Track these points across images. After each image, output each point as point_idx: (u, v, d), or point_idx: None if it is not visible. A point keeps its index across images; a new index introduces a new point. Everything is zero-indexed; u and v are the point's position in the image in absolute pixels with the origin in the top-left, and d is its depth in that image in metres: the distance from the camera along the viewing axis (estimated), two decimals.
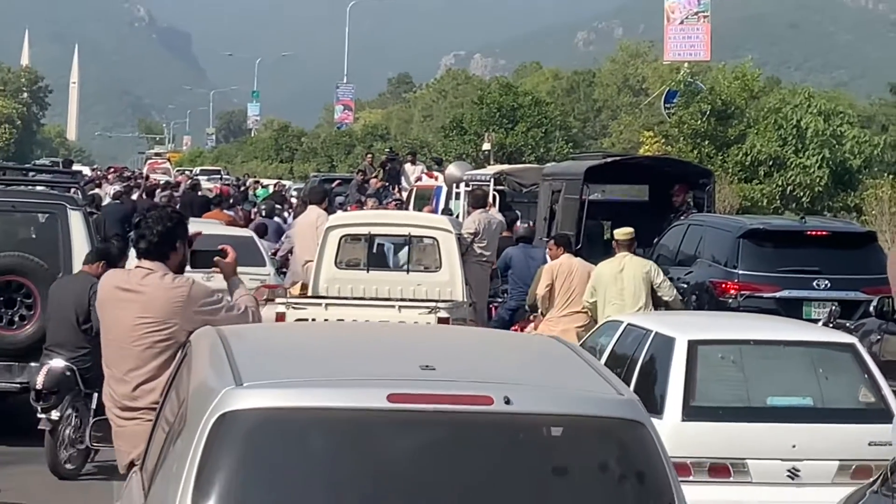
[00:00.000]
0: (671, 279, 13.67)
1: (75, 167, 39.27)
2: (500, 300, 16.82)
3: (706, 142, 26.12)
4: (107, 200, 27.25)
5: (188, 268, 6.94)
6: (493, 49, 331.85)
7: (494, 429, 4.41)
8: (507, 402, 4.36)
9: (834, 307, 12.90)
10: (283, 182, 44.27)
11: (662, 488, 4.47)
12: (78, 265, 12.06)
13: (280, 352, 5.18)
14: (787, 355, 9.04)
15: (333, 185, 31.43)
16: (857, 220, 22.16)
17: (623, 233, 13.38)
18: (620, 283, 12.98)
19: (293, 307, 12.42)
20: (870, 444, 8.42)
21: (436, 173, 28.28)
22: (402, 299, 12.91)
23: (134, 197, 30.71)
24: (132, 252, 6.94)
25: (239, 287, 7.03)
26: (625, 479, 4.53)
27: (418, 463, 4.41)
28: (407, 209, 24.29)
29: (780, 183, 23.82)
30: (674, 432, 8.30)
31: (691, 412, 8.48)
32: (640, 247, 16.76)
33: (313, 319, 12.03)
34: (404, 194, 27.98)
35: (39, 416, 10.85)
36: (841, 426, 8.56)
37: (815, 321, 12.74)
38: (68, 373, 10.96)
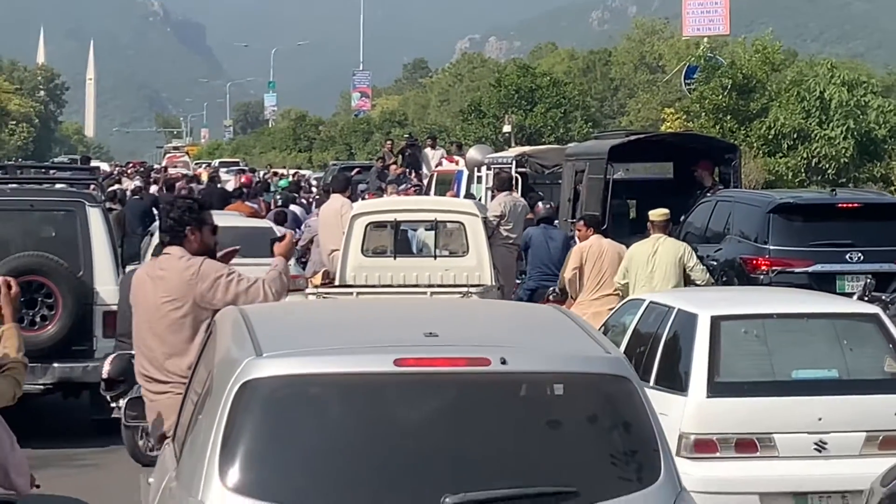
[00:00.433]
0: (700, 257, 13.47)
1: (94, 164, 39.25)
2: (518, 281, 16.64)
3: (728, 116, 25.81)
4: (127, 195, 27.12)
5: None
6: (508, 31, 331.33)
7: (493, 387, 4.80)
8: (504, 362, 4.74)
9: (869, 280, 12.62)
10: (303, 172, 44.11)
11: (647, 437, 4.81)
12: (98, 262, 11.99)
13: (296, 325, 5.65)
14: (810, 328, 8.96)
15: (353, 172, 31.17)
16: (885, 190, 21.86)
17: (658, 214, 13.21)
18: (652, 265, 12.82)
19: (324, 297, 12.26)
20: None
21: (456, 157, 28.05)
22: (432, 285, 12.79)
23: (153, 191, 30.67)
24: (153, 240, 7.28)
25: (275, 268, 7.73)
26: (613, 429, 4.88)
27: (424, 421, 4.77)
28: (428, 194, 24.10)
29: (804, 156, 23.49)
30: (699, 409, 8.35)
31: (716, 388, 8.41)
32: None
33: None
34: (425, 180, 27.76)
35: (111, 405, 10.69)
36: (867, 397, 8.49)
37: (850, 295, 12.52)
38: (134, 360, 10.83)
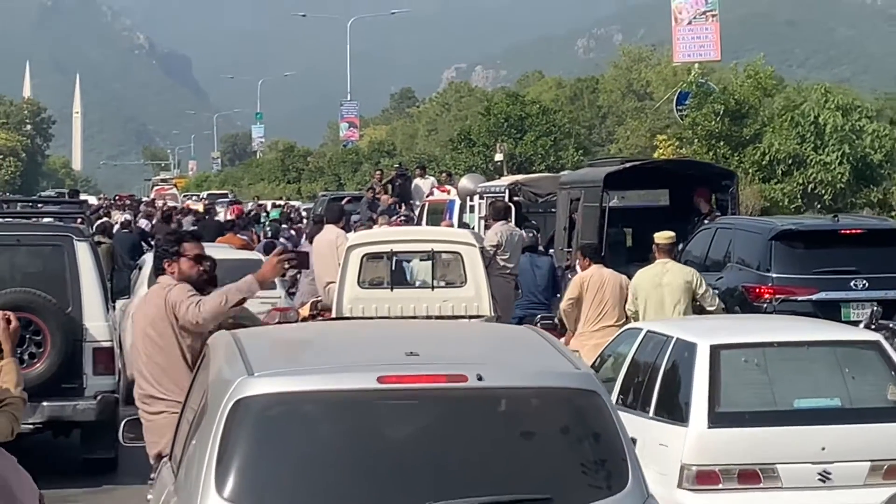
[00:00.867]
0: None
1: (82, 197, 38.94)
2: None
3: (721, 143, 25.63)
4: (115, 228, 26.84)
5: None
6: (494, 60, 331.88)
7: (470, 401, 5.12)
8: (480, 378, 5.06)
9: (875, 307, 12.39)
10: (292, 203, 43.85)
11: (616, 447, 5.14)
12: (87, 298, 11.73)
13: (285, 346, 6.05)
14: (811, 356, 8.87)
15: (343, 202, 30.92)
16: (884, 215, 21.62)
17: (664, 237, 12.97)
18: (661, 292, 12.60)
19: None
20: None
21: (447, 187, 27.83)
22: (430, 317, 12.69)
23: (142, 224, 30.43)
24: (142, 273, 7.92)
25: (234, 286, 8.11)
26: (583, 440, 5.22)
27: (406, 434, 5.13)
28: (419, 224, 23.87)
29: (800, 181, 23.28)
30: (700, 440, 8.28)
31: (717, 419, 8.33)
32: None
33: None
34: (416, 210, 27.51)
35: None
36: (870, 426, 8.41)
37: (855, 323, 12.31)
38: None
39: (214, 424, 5.04)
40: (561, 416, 5.25)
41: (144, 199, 61.43)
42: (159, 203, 44.62)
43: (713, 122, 25.79)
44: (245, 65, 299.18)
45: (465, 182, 24.85)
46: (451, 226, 21.42)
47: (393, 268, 13.74)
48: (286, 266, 8.23)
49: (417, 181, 31.19)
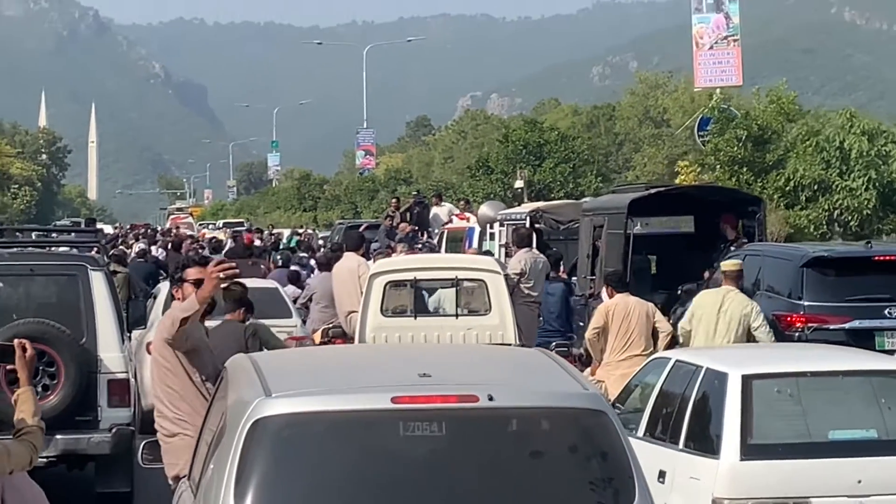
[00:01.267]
0: None
1: (97, 226, 38.73)
2: None
3: (744, 168, 25.30)
4: (131, 257, 26.64)
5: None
6: (510, 88, 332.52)
7: (481, 421, 5.27)
8: (491, 398, 5.22)
9: None
10: (309, 231, 43.65)
11: (623, 465, 5.28)
12: (102, 328, 11.51)
13: (301, 369, 6.16)
14: (846, 386, 8.65)
15: (361, 229, 30.64)
16: None
17: (732, 265, 12.81)
18: (716, 320, 12.39)
19: None
20: None
21: (467, 214, 27.58)
22: None
23: (156, 253, 30.20)
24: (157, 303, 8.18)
25: (180, 306, 8.27)
26: (591, 458, 5.34)
27: (419, 453, 5.24)
28: (439, 252, 23.61)
29: (825, 207, 22.92)
30: (732, 473, 8.10)
31: (750, 451, 8.14)
32: (691, 281, 16.07)
33: None
34: (434, 238, 27.26)
35: None
36: None
37: (890, 352, 12.06)
38: None
39: (233, 445, 5.19)
40: (570, 435, 5.38)
41: (159, 227, 61.27)
42: (182, 232, 44.46)
43: (735, 148, 25.47)
44: (260, 93, 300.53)
45: (485, 209, 24.64)
46: (477, 253, 21.15)
47: (419, 296, 13.55)
48: (221, 277, 7.85)
49: (435, 209, 30.96)
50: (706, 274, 16.13)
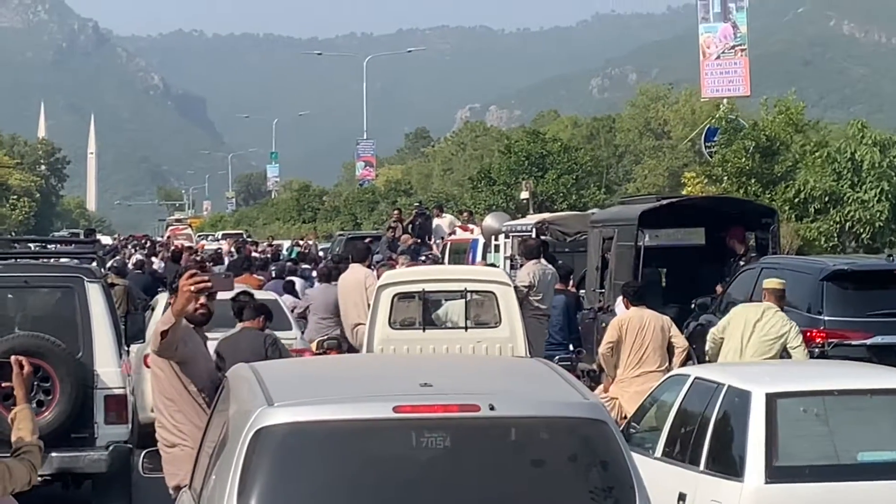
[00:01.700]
0: None
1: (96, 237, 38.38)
2: None
3: (752, 180, 24.93)
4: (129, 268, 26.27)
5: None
6: (508, 100, 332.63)
7: (483, 430, 5.29)
8: (492, 408, 5.24)
9: None
10: (308, 241, 43.25)
11: (624, 475, 5.28)
12: (98, 342, 11.21)
13: (303, 378, 6.15)
14: (875, 405, 8.35)
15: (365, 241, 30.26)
16: None
17: (775, 283, 12.35)
18: (750, 334, 11.98)
19: None
20: None
21: (471, 226, 27.24)
22: None
23: (155, 266, 29.87)
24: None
25: (159, 320, 8.17)
26: (592, 467, 5.36)
27: (421, 461, 5.26)
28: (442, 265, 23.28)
29: (837, 219, 22.55)
30: (757, 496, 7.82)
31: (775, 473, 7.82)
32: (703, 294, 15.71)
33: None
34: (436, 249, 26.95)
35: None
36: None
37: None
38: None
39: (235, 454, 5.19)
40: (570, 444, 5.39)
41: (157, 238, 60.92)
42: (177, 243, 44.06)
43: (743, 159, 25.11)
44: (260, 105, 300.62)
45: (490, 221, 24.34)
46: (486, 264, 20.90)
47: (427, 308, 13.39)
48: (193, 290, 7.64)
49: (436, 220, 30.67)
50: (719, 288, 15.80)
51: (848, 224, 22.52)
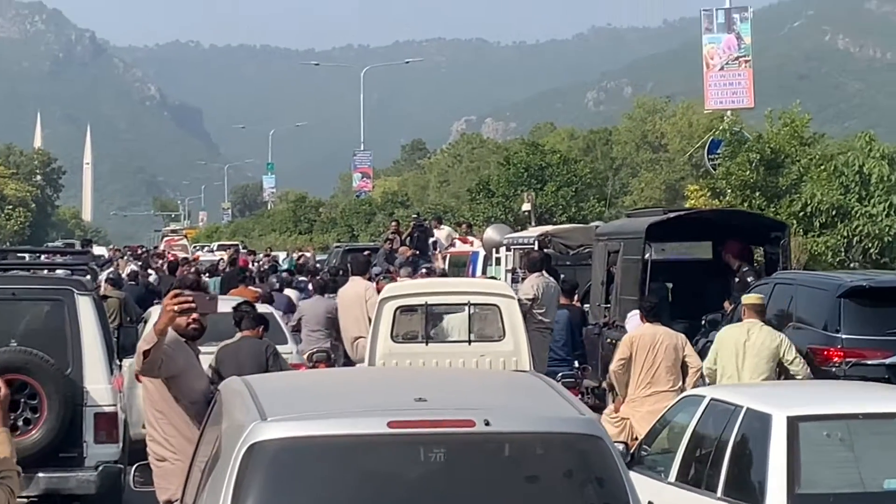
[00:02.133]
0: None
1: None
2: None
3: (756, 193, 24.52)
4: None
5: None
6: (504, 112, 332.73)
7: (477, 446, 5.23)
8: (487, 423, 5.17)
9: None
10: (305, 253, 42.84)
11: (619, 492, 5.24)
12: (88, 358, 10.89)
13: (297, 392, 6.07)
14: None
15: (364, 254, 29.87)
16: None
17: (754, 298, 12.20)
18: (742, 355, 11.68)
19: None
20: None
21: (471, 238, 26.85)
22: None
23: (152, 278, 29.52)
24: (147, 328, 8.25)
25: (142, 339, 8.02)
26: (588, 483, 5.32)
27: (415, 477, 5.21)
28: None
29: (844, 234, 22.12)
30: None
31: (797, 501, 7.48)
32: (710, 310, 15.32)
33: None
34: (436, 263, 26.56)
35: None
36: None
37: None
38: None
39: (228, 469, 5.12)
40: (566, 460, 5.35)
41: (153, 249, 60.52)
42: (174, 254, 43.68)
43: (748, 172, 24.70)
44: (256, 116, 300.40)
45: (491, 233, 23.96)
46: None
47: (430, 321, 13.14)
48: (175, 309, 7.53)
49: (435, 232, 30.28)
50: (727, 305, 15.41)
51: (856, 239, 22.11)
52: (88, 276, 13.01)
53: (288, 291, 22.78)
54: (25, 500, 10.71)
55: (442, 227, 31.62)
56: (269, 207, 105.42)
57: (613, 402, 12.93)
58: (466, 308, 12.99)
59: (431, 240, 29.60)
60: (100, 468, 10.80)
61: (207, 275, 29.25)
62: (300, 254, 42.10)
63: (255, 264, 37.93)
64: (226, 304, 12.45)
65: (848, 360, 12.23)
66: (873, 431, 7.92)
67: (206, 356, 10.23)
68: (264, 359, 11.57)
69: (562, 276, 19.32)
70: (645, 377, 12.15)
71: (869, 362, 12.19)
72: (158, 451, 7.99)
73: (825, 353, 12.37)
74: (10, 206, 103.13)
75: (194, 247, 64.96)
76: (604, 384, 13.80)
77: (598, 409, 15.66)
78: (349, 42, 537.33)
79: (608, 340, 16.45)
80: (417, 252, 28.23)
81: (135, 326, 17.82)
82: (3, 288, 11.29)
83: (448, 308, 13.55)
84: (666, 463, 8.83)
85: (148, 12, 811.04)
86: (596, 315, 17.41)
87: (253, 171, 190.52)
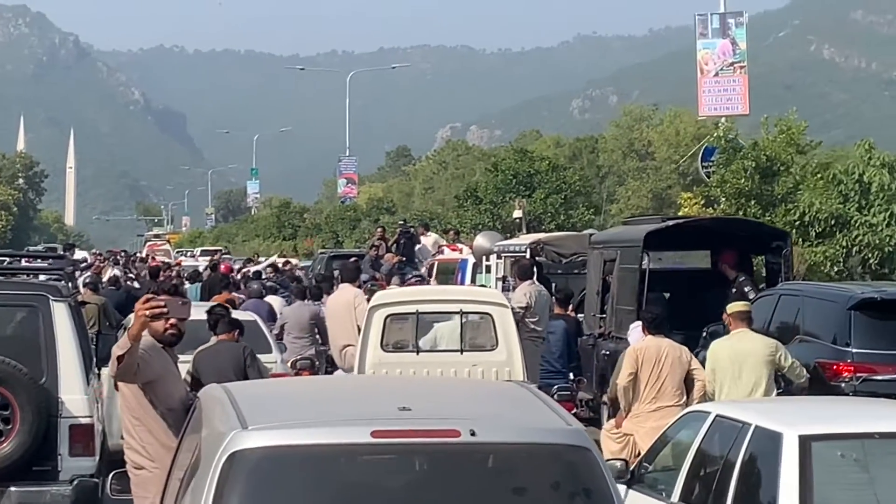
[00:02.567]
0: None
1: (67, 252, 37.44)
2: None
3: (751, 201, 24.11)
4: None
5: None
6: (489, 120, 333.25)
7: (463, 457, 5.13)
8: (473, 433, 5.06)
9: None
10: (290, 260, 42.37)
11: (607, 502, 5.16)
12: (64, 367, 10.43)
13: (278, 400, 5.96)
14: None
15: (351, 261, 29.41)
16: None
17: (740, 306, 11.86)
18: (737, 367, 11.31)
19: None
20: None
21: (459, 245, 26.42)
22: None
23: (136, 284, 29.10)
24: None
25: (116, 345, 7.69)
26: (575, 495, 5.24)
27: (399, 488, 5.16)
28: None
29: (843, 243, 21.70)
30: None
31: None
32: (710, 321, 14.84)
33: None
34: (422, 269, 26.15)
35: None
36: None
37: None
38: None
39: (208, 478, 5.02)
40: (553, 471, 5.27)
41: (134, 255, 60.00)
42: (158, 259, 43.18)
43: (742, 180, 24.29)
44: (240, 121, 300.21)
45: (481, 240, 23.56)
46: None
47: (421, 330, 12.85)
48: (147, 314, 7.39)
49: (422, 239, 29.86)
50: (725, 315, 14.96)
51: (855, 248, 21.69)
52: (65, 282, 12.49)
53: (270, 298, 22.31)
54: None
55: (429, 233, 31.25)
56: (252, 213, 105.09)
57: (610, 416, 12.50)
58: (458, 316, 12.70)
59: (417, 247, 29.20)
60: (75, 482, 10.33)
61: (189, 282, 28.82)
62: (285, 260, 41.62)
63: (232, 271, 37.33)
64: (201, 311, 12.24)
65: (858, 374, 11.83)
66: (890, 452, 7.54)
67: (185, 364, 9.99)
68: (242, 360, 11.56)
69: (554, 284, 18.88)
70: (650, 392, 11.70)
71: (880, 377, 11.79)
72: (136, 459, 7.85)
73: (835, 367, 11.97)
74: None
75: (177, 252, 64.50)
76: (604, 398, 13.33)
77: (594, 422, 15.20)
78: (334, 48, 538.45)
79: (603, 352, 16.03)
80: (404, 259, 27.84)
81: (114, 333, 17.34)
82: None
83: (440, 316, 13.26)
84: (668, 482, 8.45)
85: (132, 16, 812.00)
86: (591, 325, 16.96)
87: (237, 177, 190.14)
